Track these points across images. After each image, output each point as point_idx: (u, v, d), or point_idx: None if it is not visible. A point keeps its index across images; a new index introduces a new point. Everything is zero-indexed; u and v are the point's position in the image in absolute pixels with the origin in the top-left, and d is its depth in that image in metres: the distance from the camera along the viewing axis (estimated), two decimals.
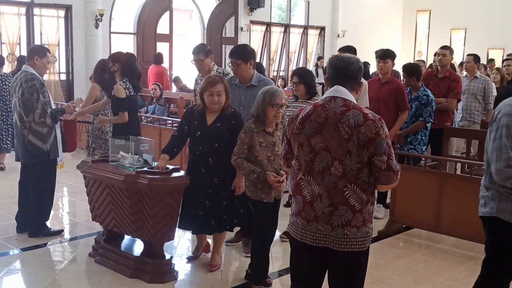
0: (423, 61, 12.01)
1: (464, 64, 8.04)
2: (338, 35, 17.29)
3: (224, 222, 4.28)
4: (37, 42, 11.28)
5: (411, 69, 6.07)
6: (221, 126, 4.16)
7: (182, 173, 4.23)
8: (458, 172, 6.48)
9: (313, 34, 17.33)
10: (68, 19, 11.84)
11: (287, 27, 16.68)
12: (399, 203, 5.33)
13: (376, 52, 6.06)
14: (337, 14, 17.42)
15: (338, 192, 2.63)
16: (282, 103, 3.90)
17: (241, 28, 14.74)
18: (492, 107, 7.24)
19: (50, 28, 11.64)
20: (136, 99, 5.22)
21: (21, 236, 5.09)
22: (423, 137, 5.87)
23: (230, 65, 4.68)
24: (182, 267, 4.49)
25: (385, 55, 5.91)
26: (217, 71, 5.04)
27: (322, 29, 17.40)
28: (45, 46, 6.25)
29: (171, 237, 4.31)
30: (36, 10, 11.42)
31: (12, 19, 11.12)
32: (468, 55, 7.75)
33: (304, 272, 2.86)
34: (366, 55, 9.88)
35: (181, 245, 5.02)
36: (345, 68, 2.69)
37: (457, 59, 17.49)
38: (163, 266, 4.21)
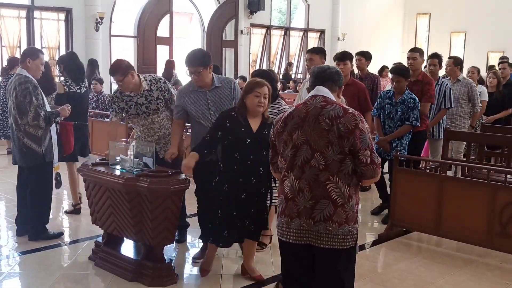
0: (387, 67, 11.62)
1: (445, 69, 7.57)
2: (338, 38, 17.31)
3: (258, 229, 4.20)
4: (37, 45, 11.30)
5: (404, 70, 5.75)
6: (267, 134, 3.82)
7: (182, 176, 4.22)
8: (458, 175, 6.47)
9: (313, 37, 17.36)
10: (68, 22, 11.86)
11: (287, 30, 16.70)
12: (399, 206, 5.32)
13: (335, 55, 6.03)
14: (337, 17, 17.45)
15: (320, 185, 2.68)
16: None
17: (241, 31, 14.76)
18: (479, 110, 7.04)
19: (50, 31, 11.67)
20: (80, 94, 5.84)
21: (21, 240, 5.08)
22: (407, 142, 5.71)
23: (189, 73, 4.43)
24: (182, 271, 4.48)
25: (344, 57, 5.86)
26: (145, 79, 4.72)
27: (322, 32, 17.43)
28: (37, 48, 6.24)
29: (171, 241, 4.31)
30: (36, 13, 11.45)
31: (12, 22, 11.16)
32: (449, 57, 7.35)
33: (292, 272, 2.89)
34: None
35: (181, 248, 5.02)
36: (322, 72, 2.92)
37: None
38: (163, 269, 4.21)
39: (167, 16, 13.53)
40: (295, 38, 17.00)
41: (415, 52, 6.31)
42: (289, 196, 2.76)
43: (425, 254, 5.05)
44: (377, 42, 16.86)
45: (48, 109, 5.11)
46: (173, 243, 4.52)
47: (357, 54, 7.51)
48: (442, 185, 5.02)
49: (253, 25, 15.42)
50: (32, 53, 5.13)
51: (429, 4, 18.53)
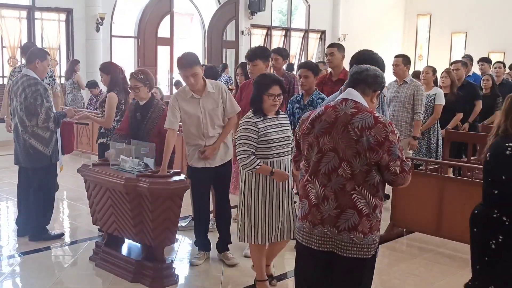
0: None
1: (392, 67, 6.51)
2: (339, 39, 17.28)
3: None
4: (38, 45, 11.28)
5: (313, 65, 5.11)
6: None
7: (182, 176, 4.22)
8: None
9: (313, 38, 17.35)
10: (69, 22, 11.86)
11: (287, 30, 16.70)
12: (400, 207, 5.31)
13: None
14: (338, 17, 17.44)
15: (346, 195, 2.63)
16: None
17: (242, 32, 14.76)
18: (421, 117, 6.23)
19: (51, 31, 11.66)
20: None
21: (22, 240, 5.08)
22: None
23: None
24: (183, 271, 4.48)
25: (254, 57, 5.11)
26: None
27: (323, 32, 17.42)
28: (45, 49, 6.24)
29: (171, 241, 4.30)
30: (37, 14, 11.44)
31: (13, 22, 11.14)
32: (397, 56, 6.49)
33: (308, 278, 2.86)
34: None
35: (181, 249, 5.02)
36: (358, 73, 2.78)
37: None
38: (164, 270, 4.21)
39: (168, 17, 13.52)
40: (296, 39, 16.99)
41: (333, 47, 5.59)
42: (313, 203, 2.71)
43: (426, 255, 5.05)
44: (377, 42, 16.81)
45: (54, 110, 5.10)
46: (173, 243, 4.52)
47: (272, 51, 6.29)
48: (443, 186, 5.02)
49: (253, 26, 15.41)
50: (41, 54, 5.13)
51: (429, 5, 18.52)
